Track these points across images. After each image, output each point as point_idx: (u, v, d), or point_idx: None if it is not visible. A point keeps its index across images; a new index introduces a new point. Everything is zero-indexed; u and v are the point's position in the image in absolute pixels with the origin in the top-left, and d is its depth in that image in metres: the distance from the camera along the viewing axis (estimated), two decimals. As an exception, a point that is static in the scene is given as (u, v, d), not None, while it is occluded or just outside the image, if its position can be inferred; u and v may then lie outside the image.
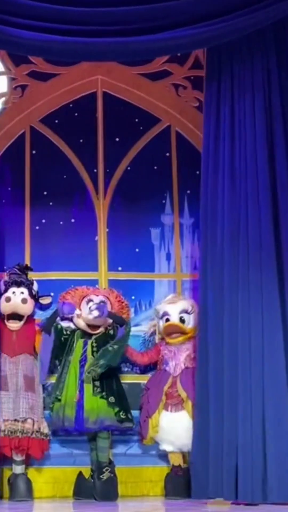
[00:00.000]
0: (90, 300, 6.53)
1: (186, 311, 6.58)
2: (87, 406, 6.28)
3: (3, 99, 7.06)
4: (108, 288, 6.73)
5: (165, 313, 6.59)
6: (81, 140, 7.03)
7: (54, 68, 7.05)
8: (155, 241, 6.97)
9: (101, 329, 6.56)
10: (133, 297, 6.82)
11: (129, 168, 7.03)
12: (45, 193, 6.92)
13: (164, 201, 7.03)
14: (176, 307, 6.59)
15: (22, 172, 6.95)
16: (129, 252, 6.90)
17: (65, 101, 7.08)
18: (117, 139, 7.05)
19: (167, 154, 7.09)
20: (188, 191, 7.05)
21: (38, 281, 6.67)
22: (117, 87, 7.13)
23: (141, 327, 6.79)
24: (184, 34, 6.13)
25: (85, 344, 6.51)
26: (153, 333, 6.77)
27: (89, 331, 6.52)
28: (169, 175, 7.05)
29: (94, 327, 6.53)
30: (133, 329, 6.71)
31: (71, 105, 7.09)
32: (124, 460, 6.53)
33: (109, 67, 7.06)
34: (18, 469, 6.29)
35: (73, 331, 6.59)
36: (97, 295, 6.60)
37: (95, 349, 6.47)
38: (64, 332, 6.55)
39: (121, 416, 6.31)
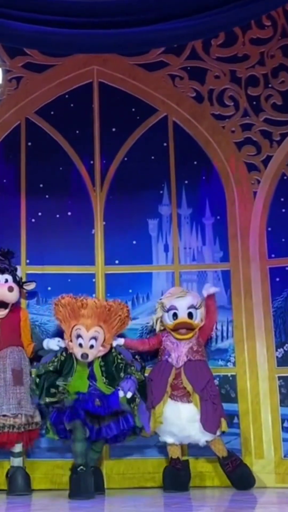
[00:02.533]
0: (80, 336, 6.22)
1: (194, 306, 6.46)
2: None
3: (-2, 91, 7.03)
4: (101, 302, 6.37)
5: (173, 307, 6.46)
6: (77, 132, 6.99)
7: (49, 59, 7.01)
8: (153, 233, 6.92)
9: (91, 359, 6.23)
10: (130, 290, 6.78)
11: (126, 158, 6.98)
12: (41, 185, 6.87)
13: (161, 192, 6.98)
14: (184, 302, 6.47)
15: (18, 165, 6.90)
16: (127, 245, 6.85)
17: (60, 92, 7.04)
18: (113, 130, 7.01)
19: (164, 144, 7.04)
20: (186, 181, 7.01)
21: (34, 275, 6.63)
22: (113, 77, 7.09)
23: (139, 320, 6.73)
24: (182, 25, 6.06)
25: (90, 364, 6.28)
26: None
27: (80, 360, 6.22)
28: (166, 165, 7.00)
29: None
30: (130, 322, 6.68)
31: (66, 96, 7.04)
32: (122, 452, 6.50)
33: (104, 57, 7.01)
34: (16, 461, 6.26)
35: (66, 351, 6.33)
36: (88, 329, 6.21)
37: (103, 368, 6.30)
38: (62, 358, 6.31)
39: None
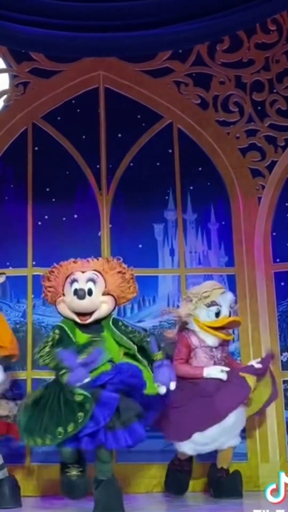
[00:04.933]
0: (75, 281, 5.28)
1: (231, 306, 6.00)
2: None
3: (5, 96, 7.06)
4: (104, 258, 5.75)
5: (215, 303, 5.91)
6: (83, 136, 7.02)
7: (55, 65, 7.05)
8: (158, 237, 6.94)
9: (95, 317, 5.26)
10: (136, 293, 6.78)
11: (131, 164, 7.01)
12: (47, 189, 6.89)
13: (167, 197, 7.01)
14: (227, 299, 5.96)
15: (25, 169, 6.93)
16: (133, 248, 6.84)
17: (67, 98, 7.08)
18: (119, 135, 7.04)
19: (170, 151, 7.07)
20: (191, 187, 7.04)
21: (41, 276, 6.63)
22: (119, 83, 7.13)
23: (145, 323, 6.68)
24: (186, 28, 6.11)
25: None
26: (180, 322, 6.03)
27: (78, 320, 5.25)
28: (171, 171, 7.02)
29: (83, 315, 5.25)
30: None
31: (73, 102, 7.09)
32: (129, 457, 6.40)
33: (110, 63, 7.05)
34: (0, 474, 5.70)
35: (58, 328, 5.28)
36: (84, 272, 5.34)
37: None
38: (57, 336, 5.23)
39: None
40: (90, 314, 5.25)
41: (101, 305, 5.26)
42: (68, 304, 5.26)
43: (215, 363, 5.85)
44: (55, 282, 5.39)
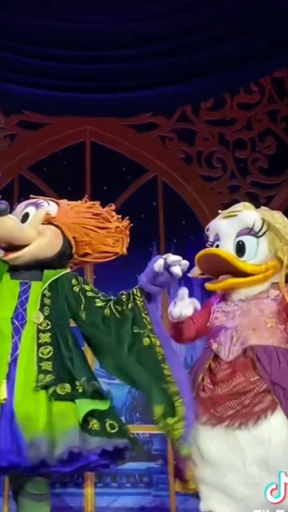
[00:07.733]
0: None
1: (250, 230, 3.72)
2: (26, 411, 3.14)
3: (-9, 148, 7.15)
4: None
5: (206, 236, 3.94)
6: (69, 188, 7.10)
7: (43, 118, 7.15)
8: (142, 288, 6.95)
9: (23, 254, 3.39)
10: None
11: (116, 215, 7.07)
12: (33, 240, 6.92)
13: (151, 249, 7.06)
14: (232, 224, 3.79)
15: (10, 219, 6.96)
16: (117, 298, 6.86)
17: (53, 150, 7.18)
18: (104, 188, 7.13)
19: (154, 203, 7.17)
20: (175, 240, 7.11)
21: None
22: (105, 137, 7.25)
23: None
24: (172, 90, 6.31)
25: (24, 289, 3.39)
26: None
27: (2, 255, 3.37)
28: (156, 223, 7.10)
29: (8, 249, 3.37)
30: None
31: (59, 154, 7.18)
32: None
33: (97, 118, 7.17)
34: None
35: None
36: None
37: (47, 301, 3.41)
38: None
39: (109, 429, 3.23)
40: (17, 248, 3.36)
41: (37, 237, 3.40)
42: None
43: (232, 321, 3.70)
44: None
